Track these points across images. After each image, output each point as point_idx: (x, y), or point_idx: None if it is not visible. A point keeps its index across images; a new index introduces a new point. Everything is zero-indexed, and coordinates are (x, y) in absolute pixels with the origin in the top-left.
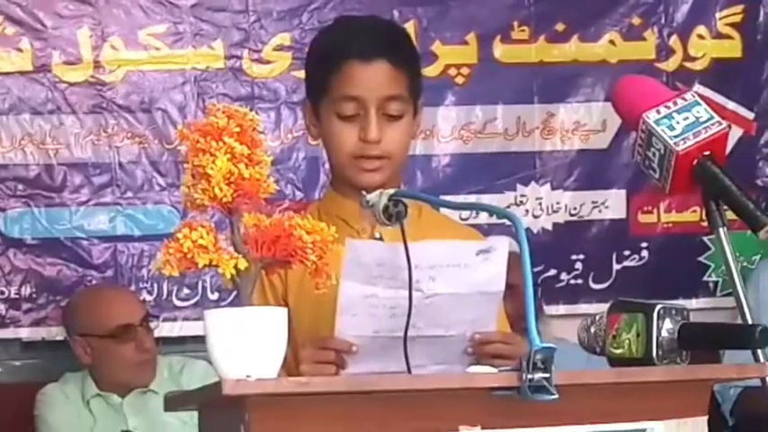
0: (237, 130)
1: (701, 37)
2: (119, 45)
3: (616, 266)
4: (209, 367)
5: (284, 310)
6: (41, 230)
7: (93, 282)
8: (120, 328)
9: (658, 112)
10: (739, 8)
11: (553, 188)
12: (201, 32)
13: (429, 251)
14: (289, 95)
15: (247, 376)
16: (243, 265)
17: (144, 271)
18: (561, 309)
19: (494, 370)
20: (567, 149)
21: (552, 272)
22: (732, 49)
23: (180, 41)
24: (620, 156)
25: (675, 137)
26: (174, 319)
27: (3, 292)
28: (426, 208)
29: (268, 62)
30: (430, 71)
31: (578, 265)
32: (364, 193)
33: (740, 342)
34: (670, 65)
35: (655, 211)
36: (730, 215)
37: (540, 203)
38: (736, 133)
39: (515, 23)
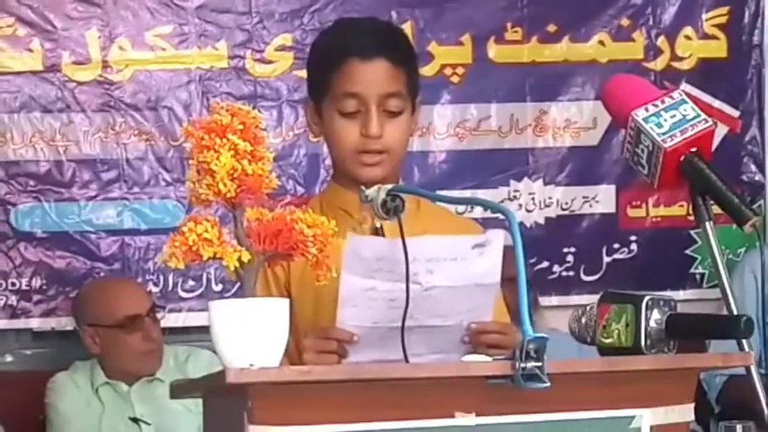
0: (241, 127)
1: (687, 38)
2: (126, 46)
3: (606, 259)
4: (214, 356)
5: (286, 301)
6: (51, 224)
7: (102, 274)
8: (127, 319)
9: (647, 110)
10: (725, 10)
11: (545, 183)
12: (206, 33)
13: (426, 245)
14: (290, 94)
15: (250, 365)
16: (246, 257)
17: (150, 263)
18: (553, 300)
19: (488, 359)
20: (559, 146)
21: (545, 264)
22: (718, 49)
23: (185, 42)
24: (610, 152)
25: (663, 134)
26: (180, 310)
27: (14, 284)
28: (425, 201)
29: (270, 62)
30: (426, 71)
31: (570, 258)
32: (363, 188)
33: (726, 332)
34: (658, 64)
35: (643, 205)
36: (716, 209)
37: (533, 198)
38: (721, 131)
39: (508, 25)
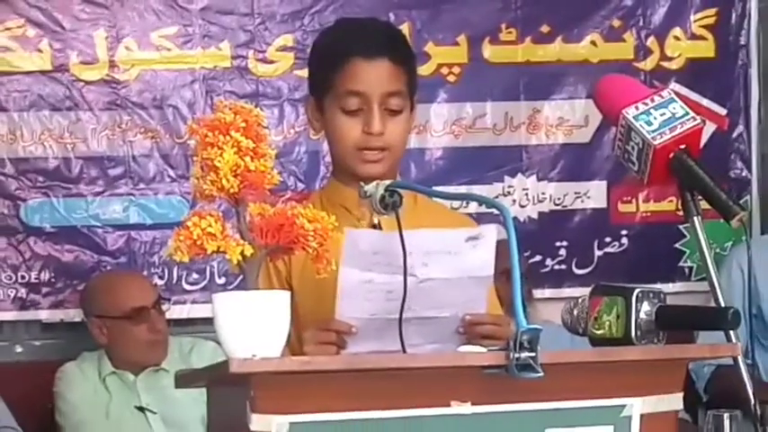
0: (243, 125)
1: (676, 38)
2: (132, 46)
3: (597, 253)
4: (218, 347)
5: (287, 294)
6: (60, 219)
7: (109, 267)
8: (134, 311)
9: (637, 108)
10: (713, 11)
11: (538, 179)
12: (210, 34)
13: (422, 239)
14: (291, 93)
15: (253, 355)
16: (249, 251)
17: (156, 257)
18: (546, 292)
19: (483, 350)
20: (552, 143)
21: (538, 258)
22: (706, 49)
23: (189, 42)
24: (602, 149)
25: (653, 131)
26: (184, 302)
27: (24, 277)
28: (421, 197)
29: (272, 62)
30: (423, 70)
31: (562, 252)
32: (362, 184)
33: (713, 323)
34: (648, 64)
35: (634, 201)
36: (704, 205)
37: (527, 194)
38: (709, 128)
39: (503, 26)
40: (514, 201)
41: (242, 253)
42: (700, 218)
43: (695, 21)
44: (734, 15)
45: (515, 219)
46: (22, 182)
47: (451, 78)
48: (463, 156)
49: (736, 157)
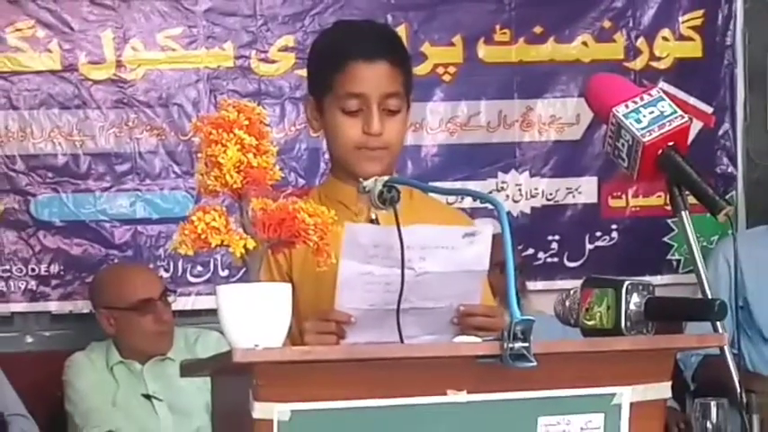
0: (246, 123)
1: (665, 39)
2: (139, 46)
3: (588, 246)
4: (222, 337)
5: (289, 286)
6: (68, 214)
7: (116, 260)
8: (140, 302)
9: (627, 106)
10: (700, 12)
11: (531, 175)
12: (213, 35)
13: (420, 234)
14: (292, 92)
15: (255, 346)
16: (251, 244)
17: (161, 250)
18: (539, 285)
19: (478, 340)
20: (544, 140)
21: (531, 251)
22: (694, 49)
23: (194, 43)
24: (593, 146)
25: (642, 129)
26: (189, 294)
27: (34, 270)
28: (417, 192)
29: (274, 62)
30: (420, 70)
31: (554, 245)
32: (361, 180)
33: (701, 314)
34: (637, 64)
35: (623, 196)
36: (692, 200)
37: (520, 189)
38: (696, 126)
39: (497, 27)
40: (508, 196)
41: (245, 246)
42: (687, 212)
43: (683, 22)
44: (720, 16)
45: (509, 213)
46: (33, 177)
47: (447, 78)
48: (458, 152)
49: (723, 153)
